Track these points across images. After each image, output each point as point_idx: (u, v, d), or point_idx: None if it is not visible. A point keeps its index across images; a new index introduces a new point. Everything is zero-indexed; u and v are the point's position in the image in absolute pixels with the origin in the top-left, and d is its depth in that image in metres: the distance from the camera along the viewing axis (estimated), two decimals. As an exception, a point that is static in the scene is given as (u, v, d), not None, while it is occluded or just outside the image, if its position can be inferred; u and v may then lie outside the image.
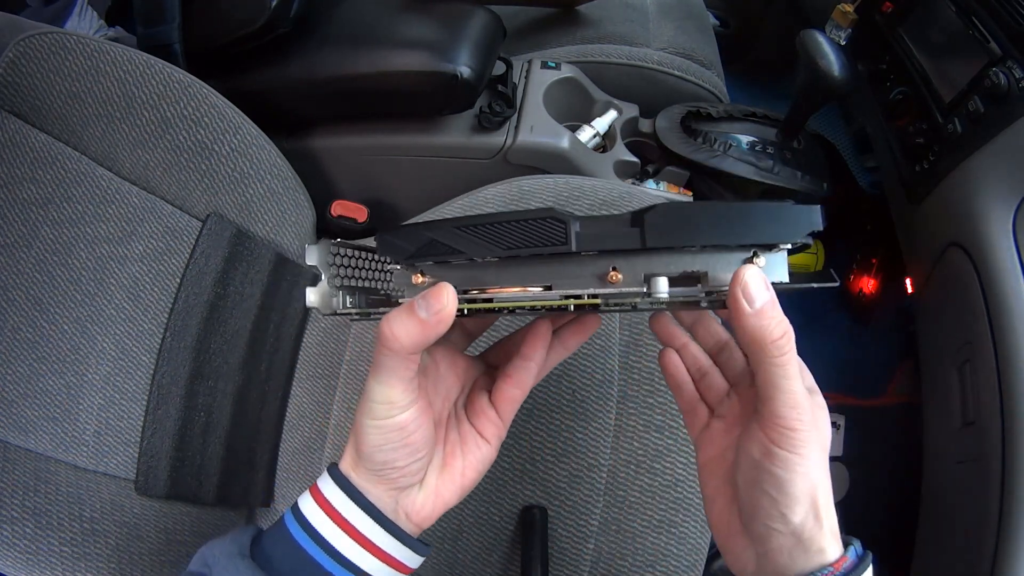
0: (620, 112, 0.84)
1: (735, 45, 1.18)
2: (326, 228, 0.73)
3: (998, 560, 0.48)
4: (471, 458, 0.31)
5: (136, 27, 0.64)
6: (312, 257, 0.30)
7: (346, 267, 0.31)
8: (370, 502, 0.28)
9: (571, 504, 0.49)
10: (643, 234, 0.24)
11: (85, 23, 0.97)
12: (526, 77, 0.80)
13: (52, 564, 0.40)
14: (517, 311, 0.28)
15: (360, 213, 0.74)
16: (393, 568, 0.28)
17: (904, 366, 0.93)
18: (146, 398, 0.48)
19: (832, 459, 0.87)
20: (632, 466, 0.49)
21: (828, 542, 0.26)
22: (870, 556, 0.26)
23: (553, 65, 0.81)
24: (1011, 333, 0.51)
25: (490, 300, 0.27)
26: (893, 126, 0.75)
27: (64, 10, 0.96)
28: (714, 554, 0.87)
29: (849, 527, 0.85)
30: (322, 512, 0.28)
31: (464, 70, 0.65)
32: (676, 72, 0.86)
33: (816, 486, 0.25)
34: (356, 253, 0.32)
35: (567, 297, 0.26)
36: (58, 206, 0.46)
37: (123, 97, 0.49)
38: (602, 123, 0.83)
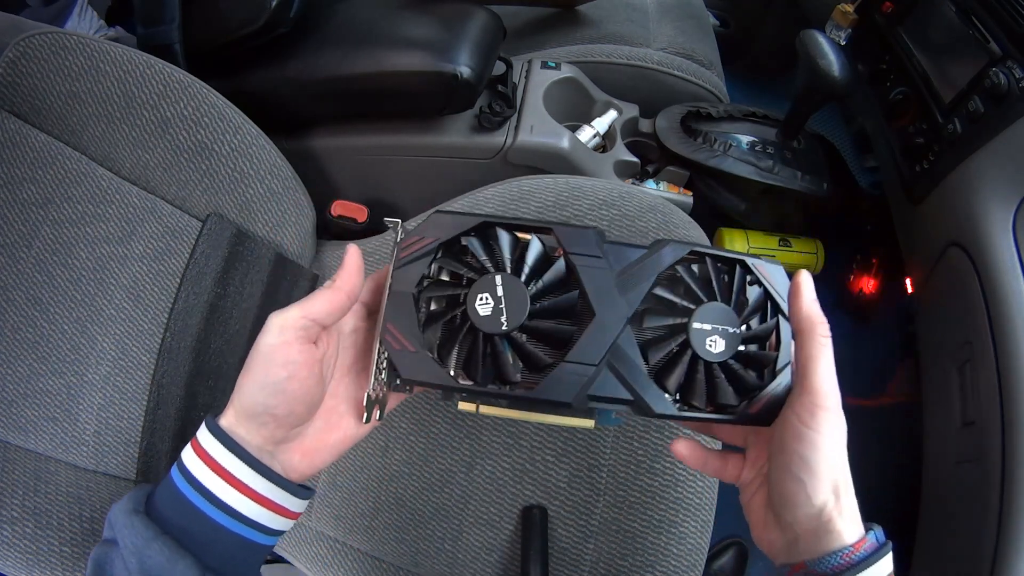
0: (620, 112, 0.84)
1: (735, 45, 1.18)
2: (326, 228, 0.73)
3: (998, 560, 0.48)
4: (351, 428, 0.33)
5: (136, 27, 0.64)
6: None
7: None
8: (242, 448, 0.29)
9: (571, 504, 0.49)
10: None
11: (85, 23, 0.97)
12: (526, 77, 0.80)
13: (52, 564, 0.40)
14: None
15: (360, 213, 0.74)
16: (274, 512, 0.30)
17: (904, 366, 0.93)
18: (146, 398, 0.48)
19: (832, 459, 0.87)
20: (632, 466, 0.49)
21: (847, 525, 0.28)
22: (890, 545, 0.28)
23: (553, 65, 0.81)
24: (1011, 333, 0.51)
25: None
26: (893, 126, 0.75)
27: (64, 10, 0.96)
28: (714, 554, 0.87)
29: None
30: (200, 461, 0.29)
31: (464, 70, 0.65)
32: (676, 72, 0.86)
33: (836, 469, 0.28)
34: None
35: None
36: (58, 206, 0.46)
37: (123, 97, 0.49)
38: (602, 123, 0.83)
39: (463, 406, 0.34)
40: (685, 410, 0.30)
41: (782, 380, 0.30)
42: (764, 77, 1.23)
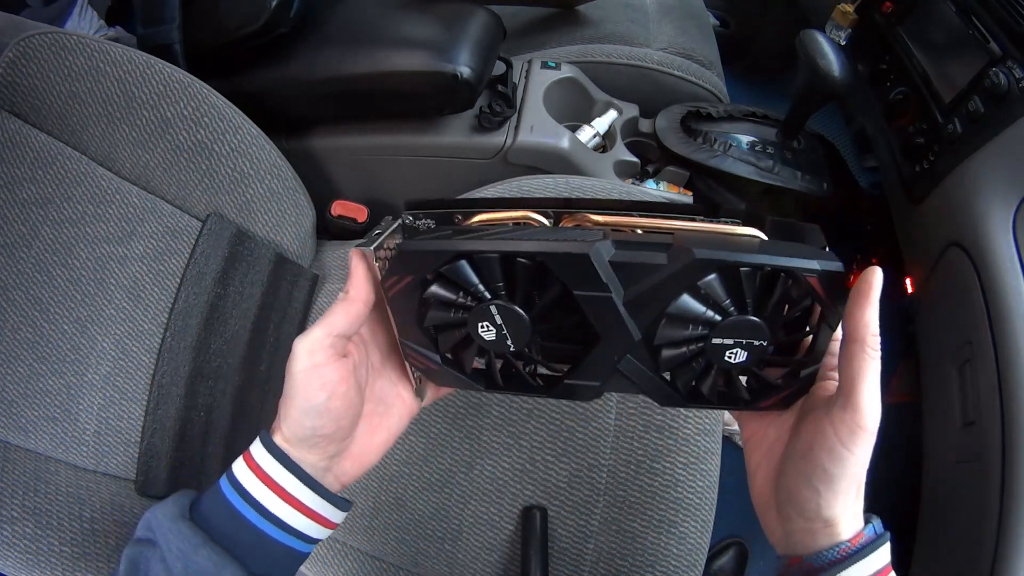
0: (620, 112, 0.84)
1: (735, 45, 1.18)
2: (326, 228, 0.73)
3: (998, 560, 0.48)
4: (395, 415, 0.35)
5: (136, 27, 0.64)
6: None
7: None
8: (300, 468, 0.30)
9: (571, 504, 0.49)
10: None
11: (85, 23, 0.97)
12: (526, 77, 0.80)
13: (52, 564, 0.40)
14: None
15: (360, 213, 0.74)
16: (319, 523, 0.31)
17: (904, 366, 0.93)
18: (146, 398, 0.48)
19: (832, 459, 0.87)
20: (632, 466, 0.49)
21: (847, 524, 0.27)
22: (888, 535, 0.28)
23: (553, 65, 0.81)
24: (1011, 333, 0.51)
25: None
26: (893, 126, 0.75)
27: (64, 10, 0.96)
28: (714, 554, 0.87)
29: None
30: (254, 476, 0.30)
31: (464, 70, 0.65)
32: (676, 72, 0.86)
33: (855, 483, 0.27)
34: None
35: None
36: (58, 206, 0.46)
37: (123, 97, 0.49)
38: (602, 123, 0.83)
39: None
40: (692, 404, 0.30)
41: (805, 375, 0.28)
42: (764, 77, 1.23)
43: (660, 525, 0.48)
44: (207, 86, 0.53)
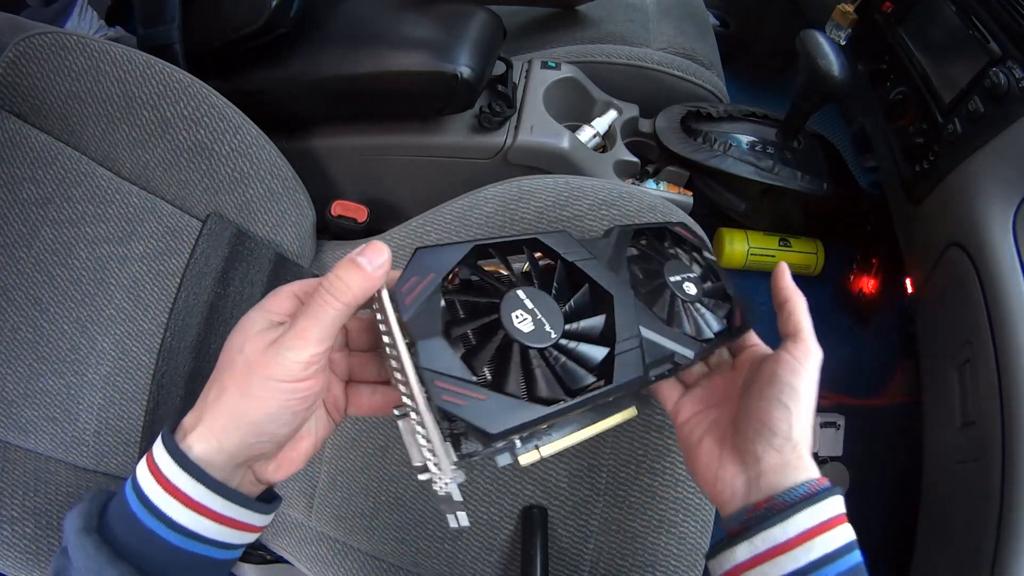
0: (620, 112, 0.84)
1: (735, 45, 1.18)
2: (326, 228, 0.73)
3: (998, 560, 0.48)
4: (321, 433, 0.31)
5: (136, 27, 0.64)
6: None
7: None
8: (205, 473, 0.26)
9: (571, 504, 0.48)
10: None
11: (85, 23, 0.97)
12: (526, 77, 0.80)
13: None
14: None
15: (360, 213, 0.74)
16: (239, 530, 0.28)
17: (904, 366, 0.93)
18: (146, 398, 0.48)
19: (832, 459, 0.87)
20: (632, 466, 0.49)
21: (811, 463, 0.31)
22: (840, 488, 0.31)
23: (553, 65, 0.81)
24: (1011, 333, 0.51)
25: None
26: (893, 126, 0.75)
27: (64, 10, 0.96)
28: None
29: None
30: (155, 481, 0.26)
31: (464, 70, 0.65)
32: (676, 72, 0.86)
33: (812, 406, 0.31)
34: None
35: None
36: (58, 206, 0.46)
37: (123, 97, 0.49)
38: (602, 123, 0.83)
39: (525, 459, 0.29)
40: (703, 345, 0.34)
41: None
42: (764, 77, 1.23)
43: (660, 525, 0.48)
44: (207, 86, 0.53)
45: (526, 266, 0.31)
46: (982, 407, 0.53)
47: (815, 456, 0.86)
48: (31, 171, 0.45)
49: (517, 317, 0.27)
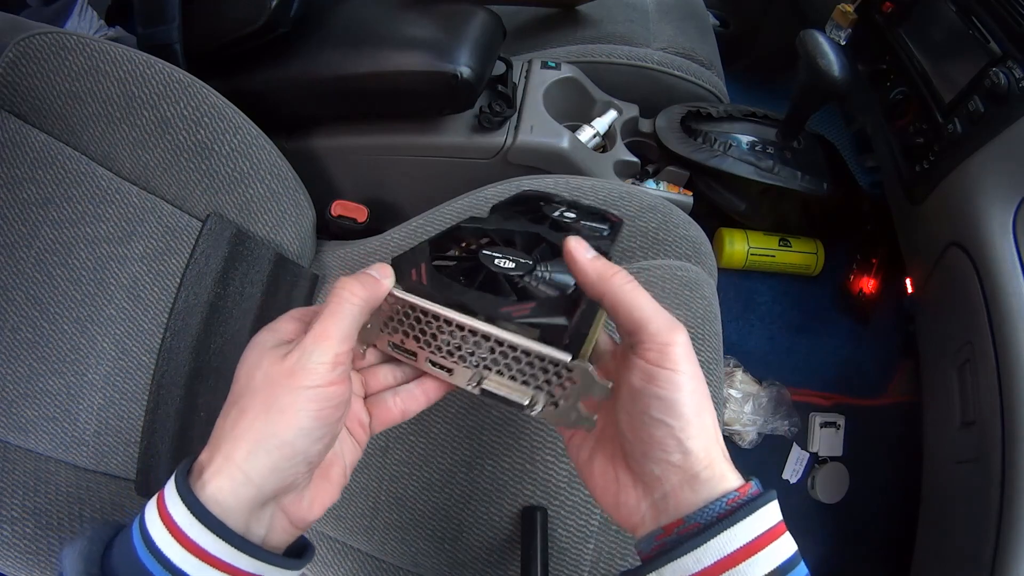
0: (620, 112, 0.84)
1: (735, 45, 1.18)
2: (326, 228, 0.73)
3: (998, 560, 0.48)
4: (349, 458, 0.30)
5: (136, 27, 0.64)
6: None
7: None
8: (226, 527, 0.23)
9: (571, 504, 0.48)
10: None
11: (85, 23, 0.97)
12: (526, 77, 0.80)
13: (52, 564, 0.40)
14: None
15: (360, 213, 0.74)
16: None
17: (904, 366, 0.93)
18: (146, 398, 0.48)
19: (832, 459, 0.87)
20: (632, 466, 0.49)
21: (728, 469, 0.25)
22: (775, 493, 0.25)
23: (553, 65, 0.81)
24: (1011, 333, 0.51)
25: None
26: (893, 126, 0.75)
27: (64, 10, 0.96)
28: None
29: (849, 527, 0.85)
30: (167, 532, 0.23)
31: (464, 70, 0.65)
32: (676, 72, 0.86)
33: (703, 408, 0.25)
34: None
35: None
36: (58, 206, 0.46)
37: (123, 97, 0.49)
38: (602, 123, 0.83)
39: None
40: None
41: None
42: (764, 77, 1.23)
43: (660, 525, 0.48)
44: (207, 86, 0.53)
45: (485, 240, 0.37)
46: (982, 407, 0.53)
47: (815, 456, 0.87)
48: (31, 171, 0.45)
49: (498, 261, 0.33)
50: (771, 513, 0.24)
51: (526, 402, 0.28)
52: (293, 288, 0.58)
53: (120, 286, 0.48)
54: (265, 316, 0.55)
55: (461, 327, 0.29)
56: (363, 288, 0.27)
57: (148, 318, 0.49)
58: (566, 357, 0.26)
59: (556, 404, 0.28)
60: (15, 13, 0.52)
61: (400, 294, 0.30)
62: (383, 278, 0.29)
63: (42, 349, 0.44)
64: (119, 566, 0.24)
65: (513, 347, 0.28)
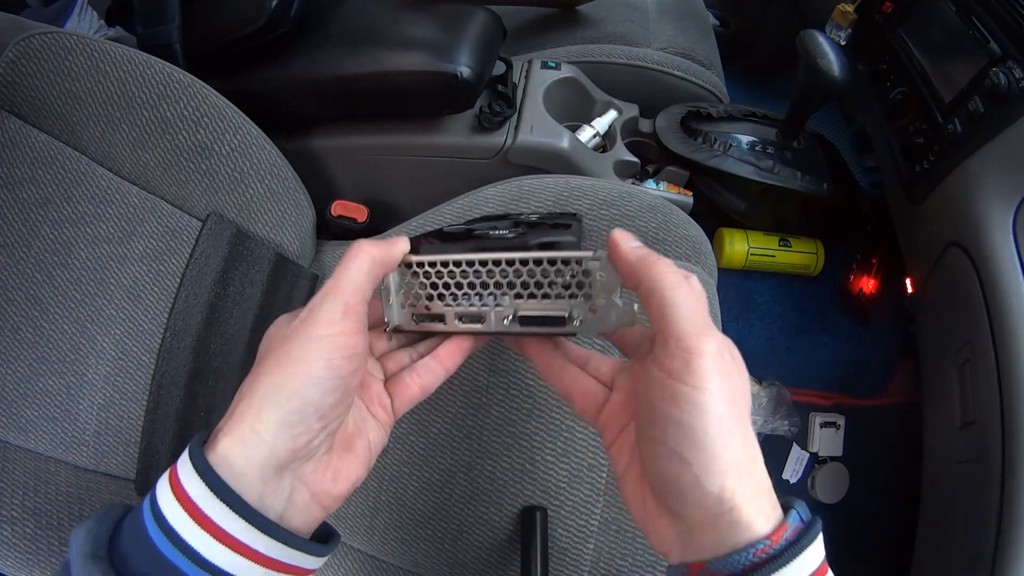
0: (620, 112, 0.84)
1: (735, 45, 1.18)
2: (326, 228, 0.73)
3: (998, 560, 0.48)
4: (373, 435, 0.28)
5: (136, 27, 0.64)
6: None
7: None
8: (239, 497, 0.21)
9: (571, 504, 0.48)
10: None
11: (85, 23, 0.97)
12: (526, 77, 0.80)
13: (52, 564, 0.40)
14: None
15: (360, 213, 0.74)
16: (285, 573, 0.23)
17: (904, 366, 0.93)
18: (146, 398, 0.48)
19: (832, 459, 0.87)
20: (632, 466, 0.49)
21: (758, 511, 0.21)
22: (819, 524, 0.22)
23: (553, 65, 0.81)
24: (1011, 333, 0.51)
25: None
26: (893, 126, 0.76)
27: (64, 10, 0.96)
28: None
29: (849, 527, 0.85)
30: (181, 509, 0.22)
31: (464, 70, 0.65)
32: (676, 72, 0.86)
33: (733, 437, 0.21)
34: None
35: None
36: (58, 206, 0.46)
37: (123, 97, 0.49)
38: (602, 123, 0.83)
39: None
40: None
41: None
42: (764, 77, 1.23)
43: (660, 525, 0.48)
44: (207, 86, 0.53)
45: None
46: (982, 407, 0.53)
47: (815, 456, 0.87)
48: (31, 171, 0.45)
49: (494, 232, 0.34)
50: (808, 561, 0.20)
51: (565, 314, 0.29)
52: (293, 288, 0.58)
53: (120, 286, 0.48)
54: (265, 316, 0.55)
55: (484, 263, 0.31)
56: (373, 245, 0.27)
57: (148, 318, 0.49)
58: (588, 252, 0.28)
59: (593, 311, 0.28)
60: (15, 13, 0.52)
61: (421, 257, 0.31)
62: (397, 243, 0.30)
63: (42, 349, 0.44)
64: (127, 544, 0.22)
65: (538, 261, 0.30)
